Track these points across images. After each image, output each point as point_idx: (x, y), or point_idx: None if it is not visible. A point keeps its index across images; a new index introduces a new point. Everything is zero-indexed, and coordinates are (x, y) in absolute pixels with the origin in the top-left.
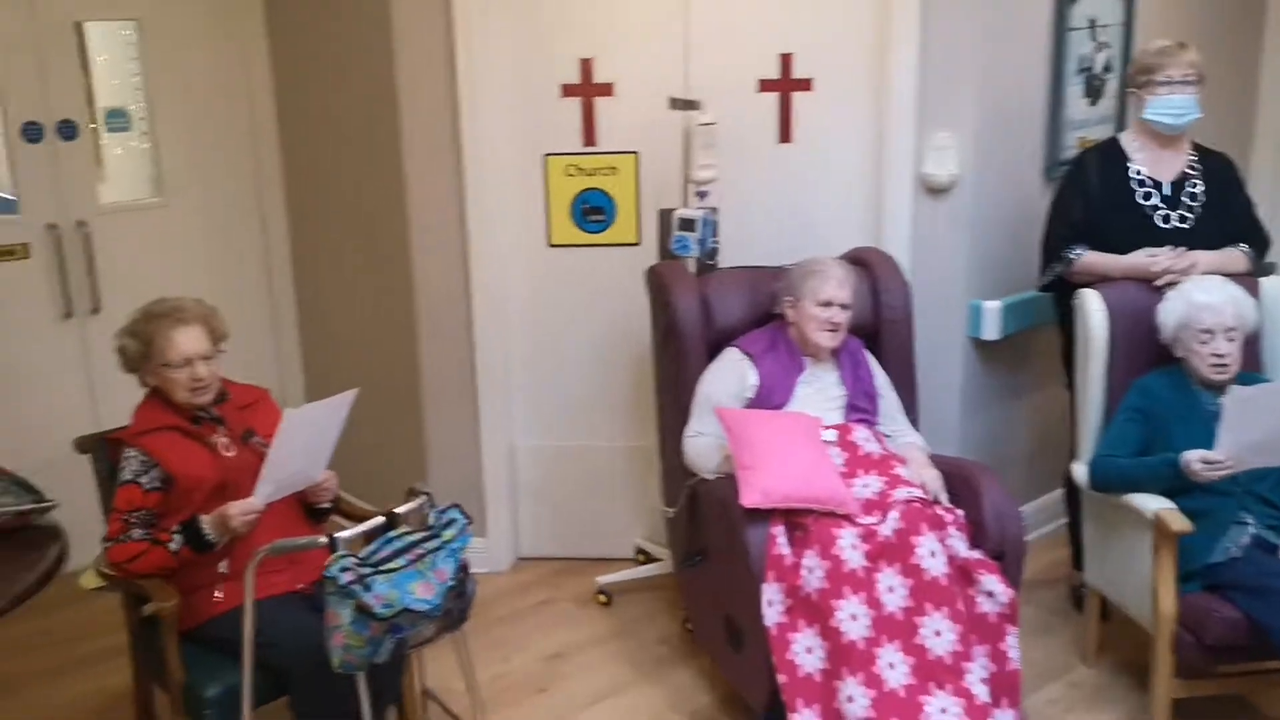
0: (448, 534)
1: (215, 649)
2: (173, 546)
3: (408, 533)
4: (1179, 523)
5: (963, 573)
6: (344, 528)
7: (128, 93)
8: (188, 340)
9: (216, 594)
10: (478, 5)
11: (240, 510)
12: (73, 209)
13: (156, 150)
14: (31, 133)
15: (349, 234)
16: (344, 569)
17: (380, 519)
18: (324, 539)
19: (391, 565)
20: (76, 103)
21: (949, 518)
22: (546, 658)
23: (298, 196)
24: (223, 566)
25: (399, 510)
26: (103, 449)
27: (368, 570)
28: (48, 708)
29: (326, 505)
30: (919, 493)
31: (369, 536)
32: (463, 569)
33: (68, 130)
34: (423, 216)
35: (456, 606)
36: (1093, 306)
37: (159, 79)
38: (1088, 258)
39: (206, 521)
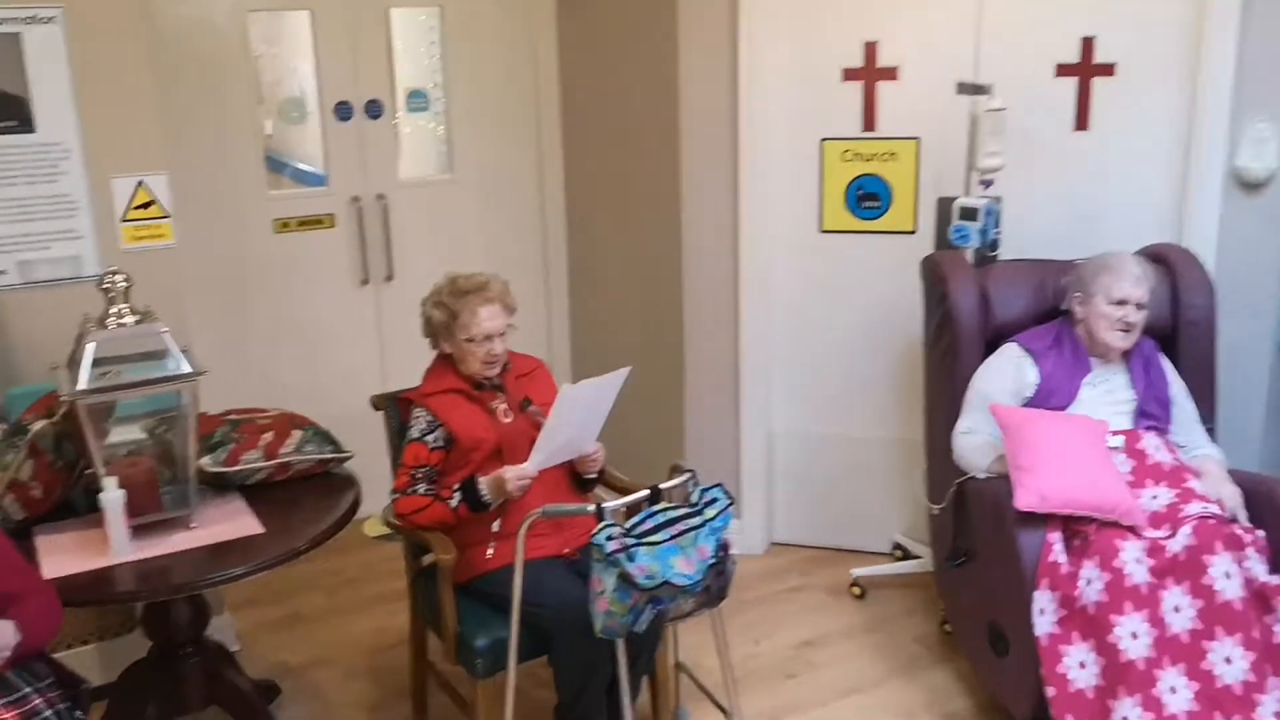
0: (710, 512)
1: (485, 602)
2: (452, 503)
3: (671, 508)
4: None
5: (1260, 598)
6: (609, 498)
7: (426, 75)
8: (490, 317)
9: (489, 551)
10: None
11: (515, 475)
12: (374, 183)
13: (449, 129)
14: (343, 111)
15: (622, 213)
16: (610, 537)
17: (645, 492)
18: (592, 507)
19: (654, 538)
20: (383, 84)
21: (1248, 538)
22: (797, 645)
23: (575, 175)
24: (496, 526)
25: (663, 486)
26: (394, 407)
27: (632, 541)
28: (333, 642)
29: (593, 476)
30: (1214, 509)
31: (633, 509)
32: (723, 548)
33: (374, 110)
34: (695, 198)
35: (716, 584)
36: None
37: (456, 62)
38: None
39: (483, 482)
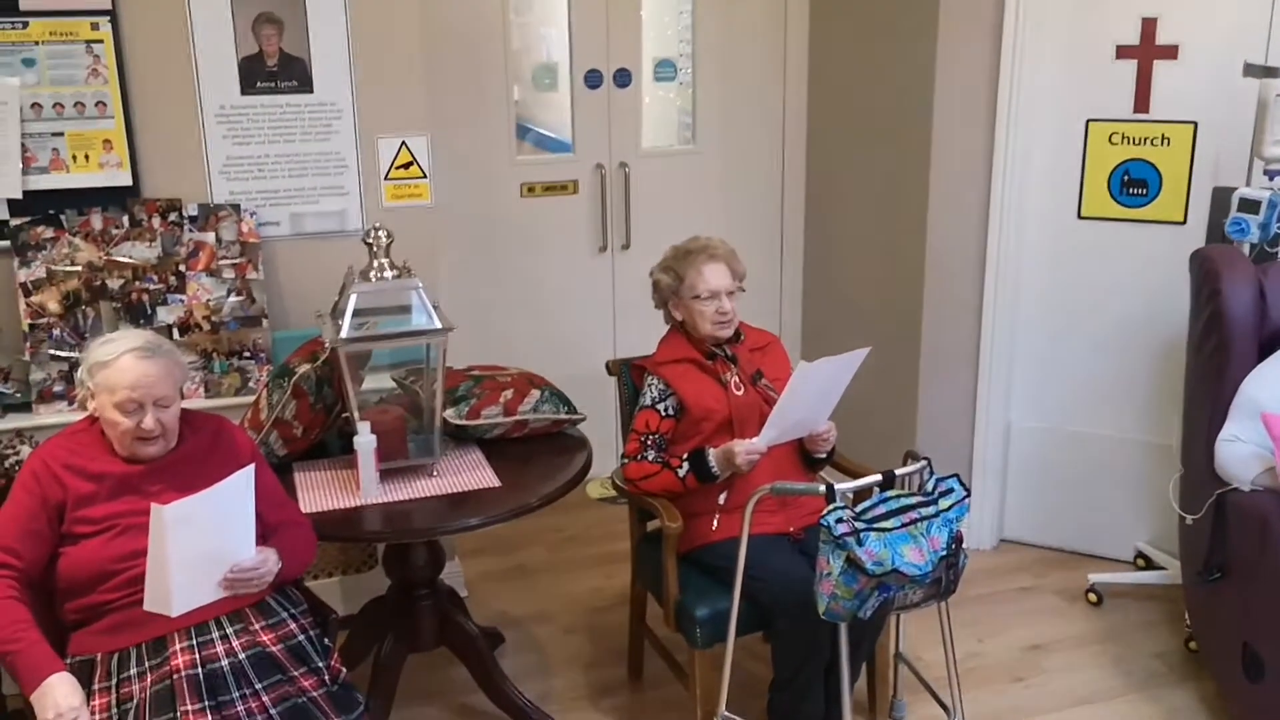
0: (944, 503)
1: (707, 573)
2: (681, 472)
3: (904, 495)
4: None
5: None
6: (838, 479)
7: (671, 45)
8: (715, 275)
9: (714, 523)
10: None
11: (745, 449)
12: (618, 151)
13: (695, 100)
14: (593, 79)
15: (865, 189)
16: (839, 520)
17: (878, 477)
18: (822, 487)
19: (884, 524)
20: (633, 53)
21: None
22: (1025, 647)
23: (817, 152)
24: (722, 498)
25: (898, 472)
26: (627, 373)
27: (862, 525)
28: (556, 596)
29: (822, 456)
30: None
31: (863, 493)
32: (956, 540)
33: (623, 78)
34: (945, 176)
35: (946, 577)
36: None
37: (704, 33)
38: None
39: (713, 454)
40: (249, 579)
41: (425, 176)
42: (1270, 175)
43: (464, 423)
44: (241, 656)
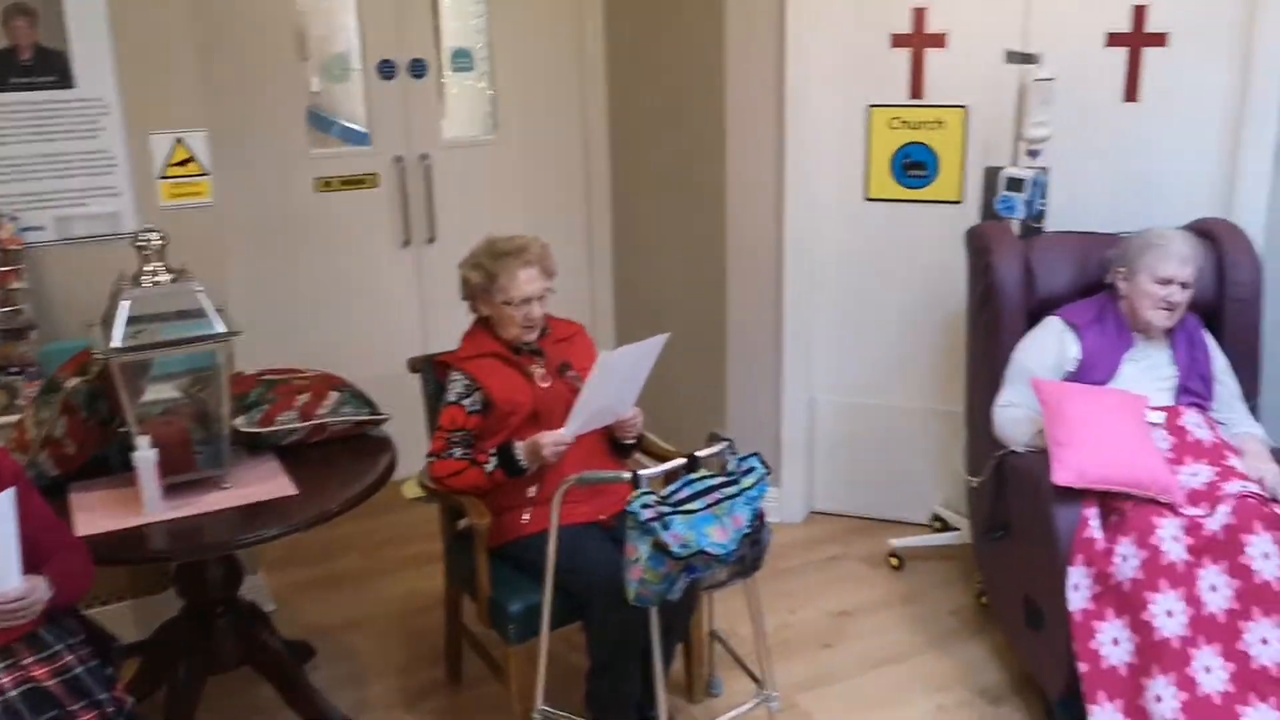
0: (746, 482)
1: (520, 568)
2: (488, 468)
3: (707, 476)
4: None
5: None
6: (647, 465)
7: (471, 34)
8: (529, 280)
9: (524, 516)
10: None
11: (552, 440)
12: (417, 143)
13: (494, 89)
14: (386, 70)
15: (667, 178)
16: (645, 505)
17: (682, 460)
18: (628, 475)
19: (690, 507)
20: (427, 43)
21: None
22: (833, 614)
23: (620, 138)
24: (532, 491)
25: (700, 454)
26: (431, 370)
27: (667, 509)
28: (368, 602)
29: (631, 441)
30: (1255, 487)
31: (670, 477)
32: (759, 517)
33: (418, 69)
34: (741, 164)
35: (750, 554)
36: None
37: (501, 21)
38: None
39: (520, 447)
40: (14, 610)
41: (205, 174)
42: (1033, 154)
43: (256, 430)
44: (12, 694)
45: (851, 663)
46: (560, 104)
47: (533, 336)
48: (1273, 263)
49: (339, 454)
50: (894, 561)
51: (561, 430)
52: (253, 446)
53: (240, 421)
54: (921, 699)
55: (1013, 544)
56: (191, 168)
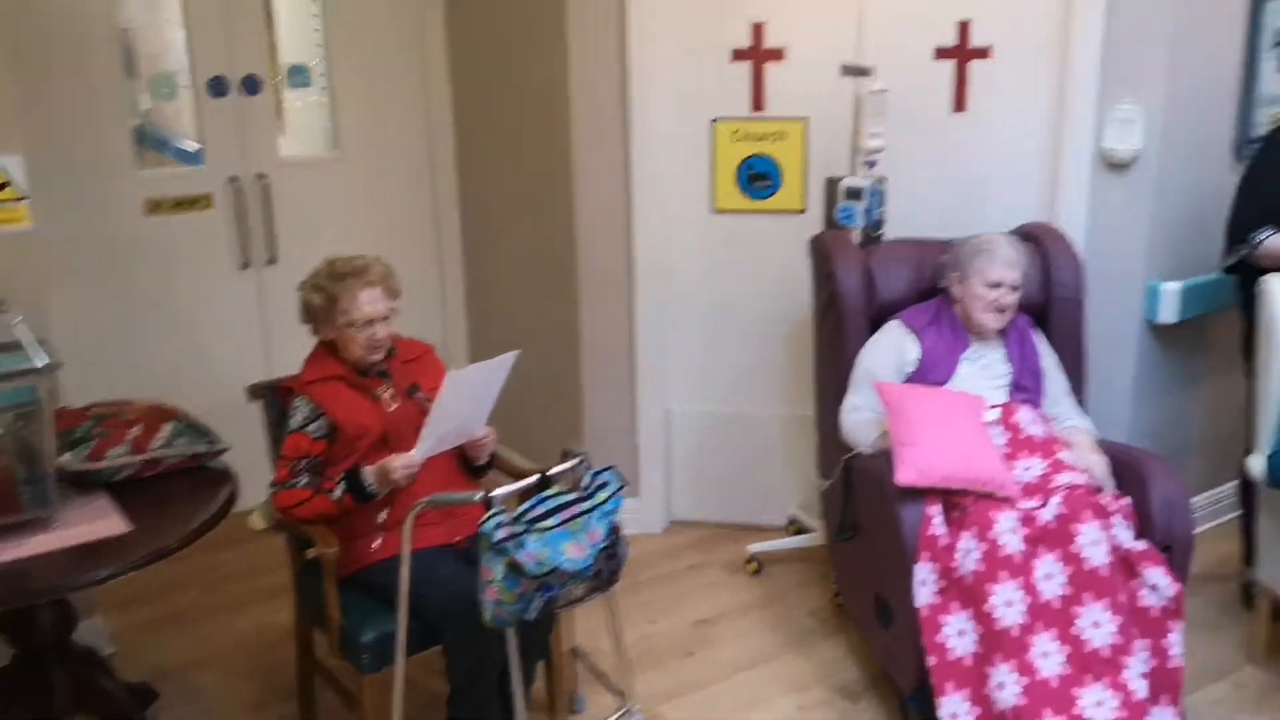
0: (601, 496)
1: (373, 595)
2: (335, 494)
3: (562, 493)
4: None
5: (1126, 564)
6: (501, 484)
7: (308, 50)
8: (370, 301)
9: (375, 543)
10: None
11: (401, 463)
12: (254, 162)
13: (334, 105)
14: (217, 87)
15: (517, 194)
16: (498, 525)
17: (535, 478)
18: (480, 495)
19: (545, 524)
20: (261, 59)
21: (1114, 506)
22: (694, 622)
23: (468, 155)
24: (382, 516)
25: (553, 471)
26: (272, 396)
27: (521, 528)
28: (215, 640)
29: (484, 461)
30: (1083, 479)
31: (524, 495)
32: (615, 531)
33: (251, 85)
34: (589, 178)
35: (607, 568)
36: (1277, 292)
37: (338, 36)
38: (1274, 241)
39: (368, 472)
40: None
41: (23, 198)
42: (870, 165)
43: (85, 467)
44: None
45: (713, 669)
46: (404, 120)
47: (377, 358)
48: (1094, 264)
49: (177, 488)
50: (753, 566)
51: (412, 452)
52: (83, 485)
53: (67, 459)
54: (782, 700)
55: (863, 544)
56: (8, 193)
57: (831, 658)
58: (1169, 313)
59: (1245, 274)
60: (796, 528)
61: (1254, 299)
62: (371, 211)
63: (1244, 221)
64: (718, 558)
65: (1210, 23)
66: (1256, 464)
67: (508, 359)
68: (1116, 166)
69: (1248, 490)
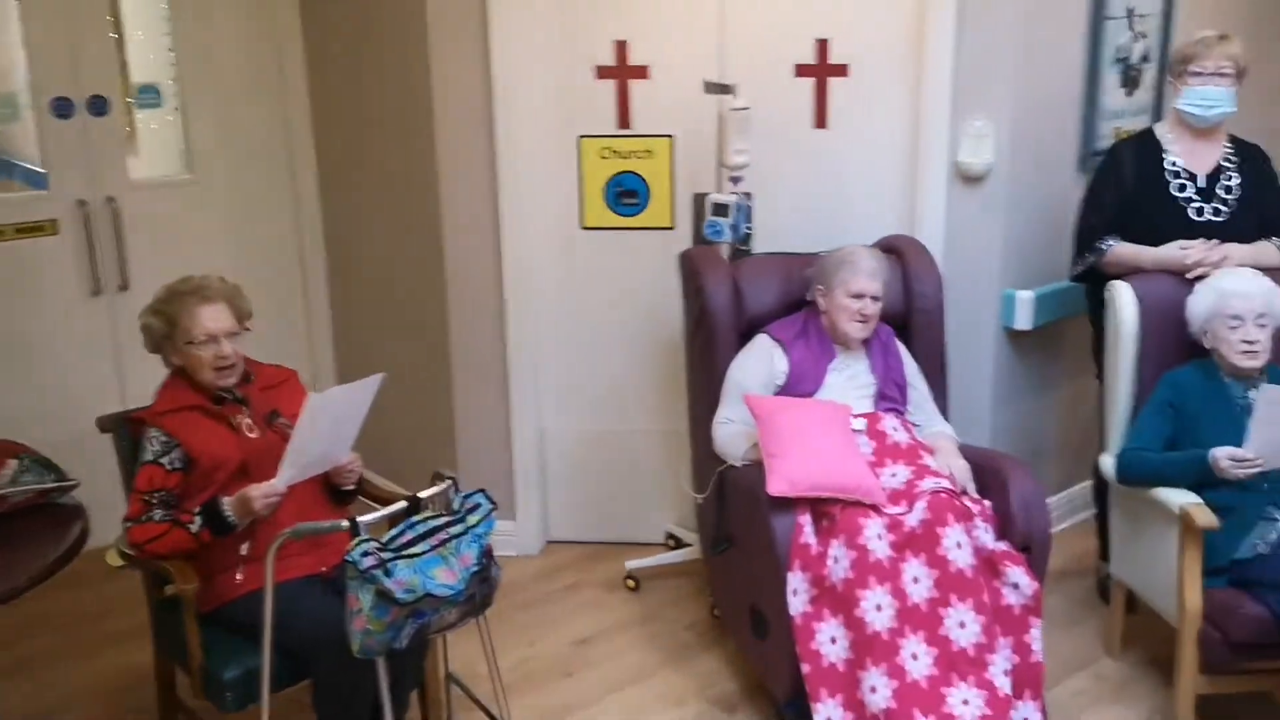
0: (472, 519)
1: (236, 631)
2: (193, 528)
3: (431, 517)
4: (1205, 518)
5: (988, 564)
6: (368, 511)
7: (159, 69)
8: (212, 317)
9: (238, 576)
10: None
11: (262, 493)
12: (102, 185)
13: (187, 126)
14: (62, 108)
15: (382, 214)
16: (365, 553)
17: (403, 503)
18: (345, 523)
19: (414, 550)
20: (109, 78)
21: (976, 509)
22: (573, 642)
23: (330, 175)
24: (244, 549)
25: (423, 495)
26: (125, 428)
27: (389, 555)
28: (70, 685)
29: (351, 487)
30: (946, 483)
31: (392, 521)
32: (487, 554)
33: (98, 106)
34: (455, 197)
35: (480, 592)
36: (1124, 298)
37: (190, 54)
38: (1120, 249)
39: (228, 503)
40: None
41: None
42: (735, 180)
43: None
44: None
45: (592, 689)
46: (263, 140)
47: (230, 380)
48: (952, 274)
49: (25, 526)
50: (631, 583)
51: (273, 481)
52: None
53: None
54: (660, 716)
55: (737, 556)
56: None
57: (709, 671)
58: (1024, 320)
59: (1094, 281)
60: (674, 543)
61: (1102, 305)
62: (230, 234)
63: (1090, 231)
64: (596, 576)
65: (1055, 41)
66: (1107, 463)
67: (372, 381)
68: (971, 180)
69: (1101, 489)
